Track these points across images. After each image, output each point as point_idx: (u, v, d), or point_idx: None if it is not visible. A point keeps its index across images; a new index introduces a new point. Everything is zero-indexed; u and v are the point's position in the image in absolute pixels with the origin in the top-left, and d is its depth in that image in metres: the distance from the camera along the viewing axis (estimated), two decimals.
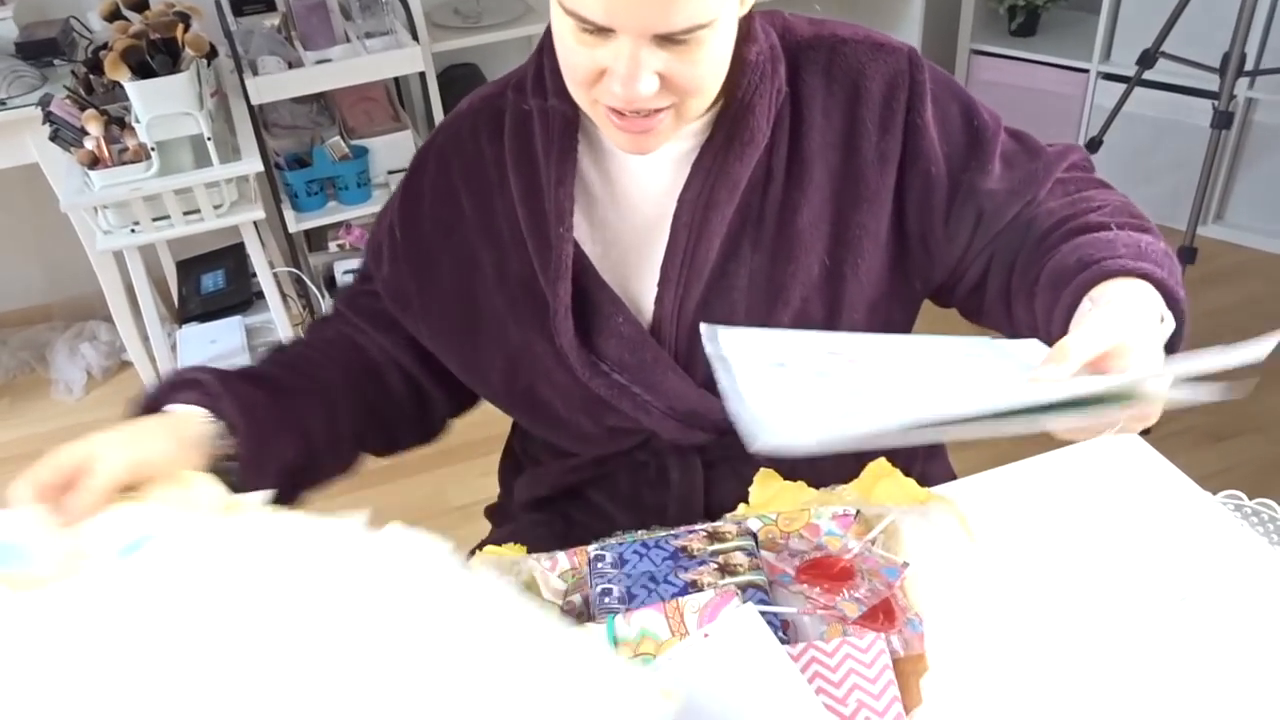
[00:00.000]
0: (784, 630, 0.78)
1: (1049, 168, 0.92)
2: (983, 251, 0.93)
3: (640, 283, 0.93)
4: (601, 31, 0.74)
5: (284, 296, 2.53)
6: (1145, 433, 0.80)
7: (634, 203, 0.93)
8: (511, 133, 0.92)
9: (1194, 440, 2.19)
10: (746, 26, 0.85)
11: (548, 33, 0.86)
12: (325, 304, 2.44)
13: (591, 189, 0.93)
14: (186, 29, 1.94)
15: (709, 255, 0.89)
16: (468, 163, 0.94)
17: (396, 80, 2.68)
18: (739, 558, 0.83)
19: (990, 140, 0.91)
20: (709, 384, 0.92)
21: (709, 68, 0.79)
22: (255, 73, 2.23)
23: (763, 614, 0.75)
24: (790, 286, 0.91)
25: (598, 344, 0.93)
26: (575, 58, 0.78)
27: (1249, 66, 2.10)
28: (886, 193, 0.90)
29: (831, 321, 0.93)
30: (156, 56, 1.88)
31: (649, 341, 0.92)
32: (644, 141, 0.82)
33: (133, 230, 1.94)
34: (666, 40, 0.74)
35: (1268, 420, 2.22)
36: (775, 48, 0.88)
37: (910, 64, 0.89)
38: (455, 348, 0.99)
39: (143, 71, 1.86)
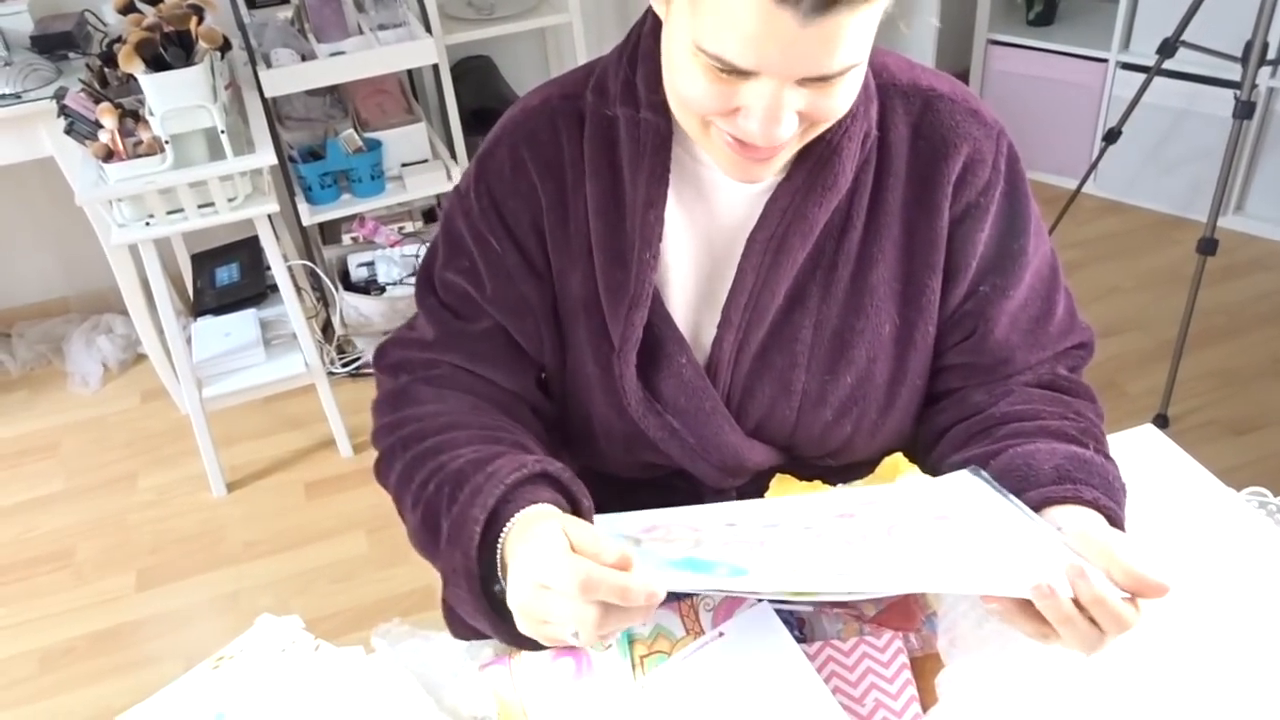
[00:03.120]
0: (800, 628, 0.77)
1: (1055, 341, 0.90)
2: (949, 371, 0.91)
3: (700, 322, 0.89)
4: (742, 73, 0.68)
5: (298, 289, 2.53)
6: (1165, 426, 0.78)
7: (706, 236, 0.87)
8: (593, 139, 0.84)
9: (1215, 433, 2.17)
10: None
11: (638, 41, 0.82)
12: (339, 296, 2.44)
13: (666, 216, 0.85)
14: (200, 21, 1.94)
15: (774, 300, 0.84)
16: (547, 158, 0.86)
17: (410, 73, 2.67)
18: None
19: (1023, 269, 0.87)
20: (757, 432, 0.90)
21: (847, 99, 0.73)
22: (269, 65, 2.22)
23: (778, 612, 0.74)
24: (857, 344, 0.86)
25: (655, 383, 0.88)
26: (704, 93, 0.71)
27: (1271, 55, 2.06)
28: (943, 262, 0.86)
29: (894, 388, 0.89)
30: (170, 49, 1.87)
31: (709, 390, 0.87)
32: (759, 171, 0.76)
33: (147, 223, 1.94)
34: (813, 80, 0.69)
35: None
36: (870, 87, 0.82)
37: (997, 145, 0.84)
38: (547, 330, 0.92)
39: (157, 64, 1.86)
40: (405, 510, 0.82)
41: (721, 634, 0.72)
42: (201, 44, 1.91)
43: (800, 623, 0.78)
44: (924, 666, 0.74)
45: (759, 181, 0.79)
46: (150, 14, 1.95)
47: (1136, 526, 0.85)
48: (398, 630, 0.85)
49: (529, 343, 0.90)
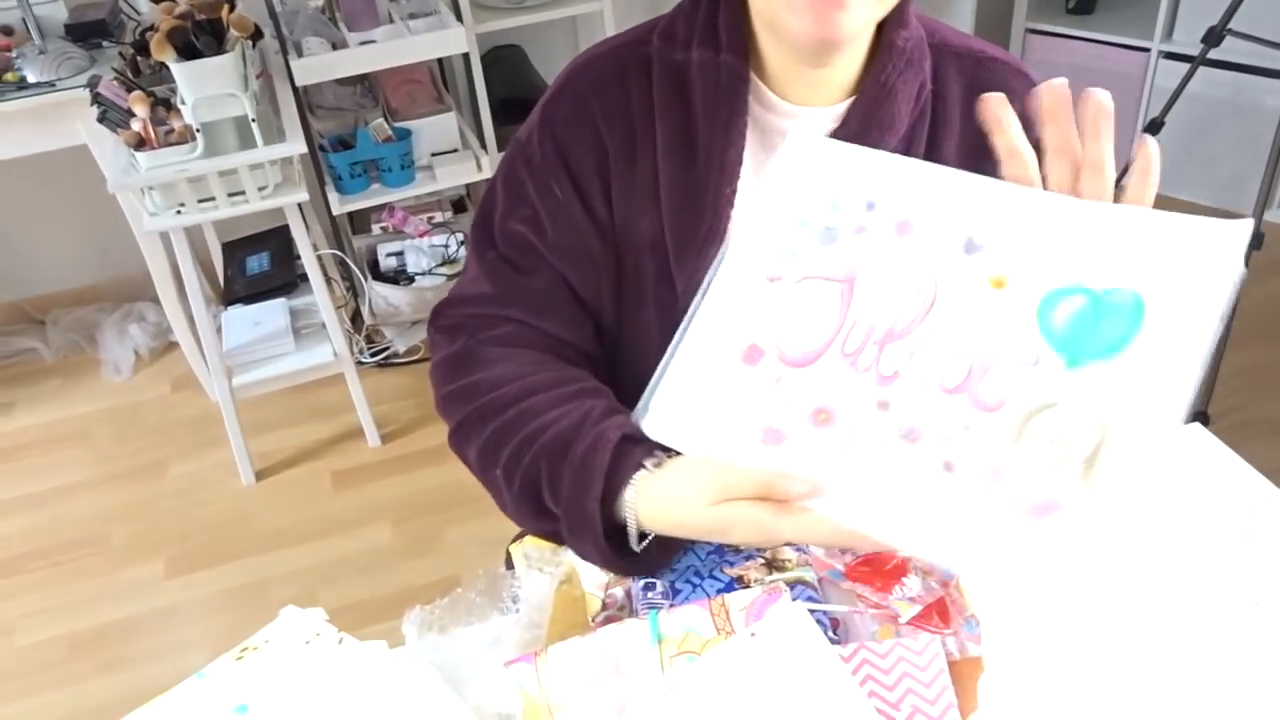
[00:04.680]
0: (834, 629, 0.75)
1: None
2: None
3: None
4: None
5: (328, 279, 2.54)
6: (1206, 424, 0.75)
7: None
8: (661, 84, 0.85)
9: (1260, 431, 2.11)
10: (900, 11, 0.80)
11: None
12: (368, 286, 2.44)
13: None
14: (232, 9, 1.94)
15: None
16: (613, 105, 0.86)
17: (440, 62, 2.66)
18: (787, 553, 0.80)
19: None
20: None
21: None
22: (300, 54, 2.22)
23: (811, 612, 0.72)
24: None
25: None
26: None
27: None
28: None
29: None
30: (202, 37, 1.87)
31: None
32: (836, 18, 0.73)
33: (178, 212, 1.95)
34: None
35: None
36: (924, 42, 0.84)
37: None
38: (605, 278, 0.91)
39: (188, 53, 1.86)
40: (497, 484, 0.83)
41: (753, 634, 0.70)
42: (233, 32, 1.91)
43: (835, 624, 0.75)
44: (963, 671, 0.72)
45: (838, 37, 0.74)
46: (182, 2, 1.95)
47: (1183, 529, 0.82)
48: (429, 617, 0.84)
49: (588, 291, 0.90)
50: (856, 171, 0.69)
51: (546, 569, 0.85)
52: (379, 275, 2.51)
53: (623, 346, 0.93)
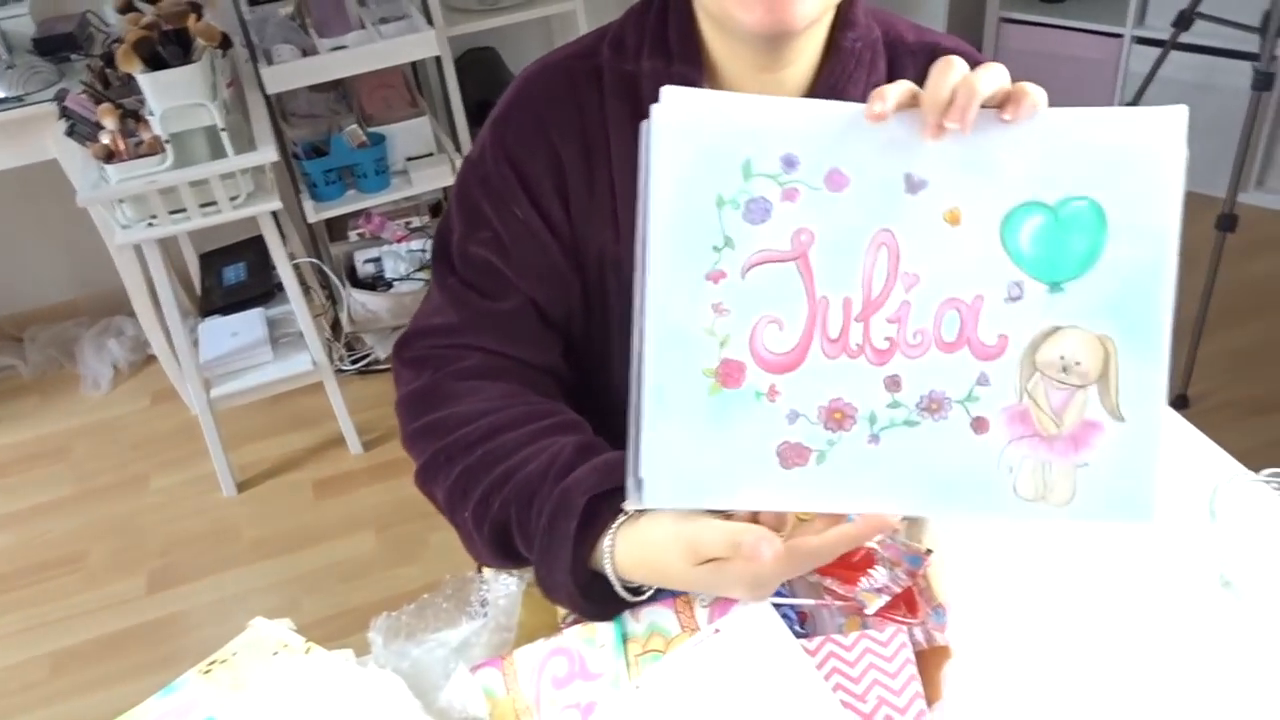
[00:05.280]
0: (801, 622, 0.74)
1: None
2: None
3: None
4: None
5: (305, 287, 2.52)
6: (1185, 407, 0.75)
7: None
8: (614, 96, 0.83)
9: (1236, 414, 2.12)
10: (845, 12, 0.80)
11: None
12: (346, 293, 2.42)
13: None
14: (198, 18, 1.93)
15: None
16: (568, 119, 0.84)
17: (414, 66, 2.65)
18: None
19: None
20: None
21: None
22: (270, 62, 2.21)
23: (777, 606, 0.72)
24: None
25: None
26: None
27: None
28: None
29: None
30: (168, 47, 1.86)
31: None
32: (787, 7, 0.71)
33: (150, 224, 1.93)
34: None
35: None
36: (878, 42, 0.84)
37: None
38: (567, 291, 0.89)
39: (155, 63, 1.85)
40: (466, 527, 0.80)
41: (717, 631, 0.69)
42: (199, 41, 1.90)
43: (802, 618, 0.75)
44: (930, 660, 0.71)
45: (789, 27, 0.73)
46: (149, 13, 1.94)
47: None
48: (396, 624, 0.84)
49: (557, 310, 0.87)
50: (756, 123, 0.60)
51: (515, 572, 0.84)
52: (357, 282, 2.49)
53: (594, 363, 0.91)
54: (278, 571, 2.03)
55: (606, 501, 0.71)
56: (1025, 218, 0.59)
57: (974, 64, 0.84)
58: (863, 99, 0.80)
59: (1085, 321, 0.59)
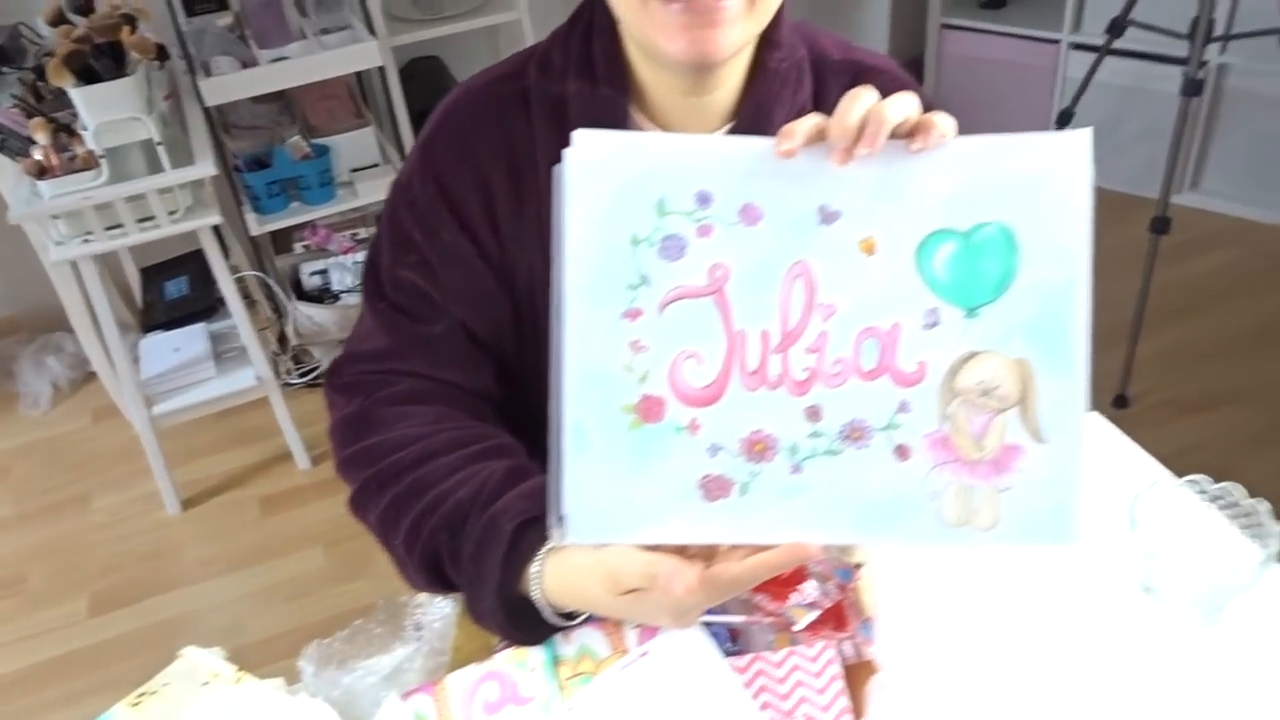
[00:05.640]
0: (732, 639, 0.75)
1: None
2: None
3: None
4: None
5: (250, 300, 2.49)
6: (1124, 406, 0.76)
7: None
8: (541, 117, 0.83)
9: (1173, 413, 2.16)
10: (771, 33, 0.80)
11: (591, 14, 0.81)
12: (292, 306, 2.40)
13: None
14: (132, 31, 1.89)
15: None
16: (495, 142, 0.84)
17: (359, 76, 2.63)
18: None
19: None
20: None
21: None
22: (208, 73, 2.18)
23: (707, 624, 0.72)
24: None
25: None
26: None
27: (1219, 31, 2.06)
28: None
29: None
30: (101, 60, 1.83)
31: None
32: (711, 38, 0.72)
33: (85, 240, 1.90)
34: None
35: (1243, 391, 2.20)
36: (804, 61, 0.84)
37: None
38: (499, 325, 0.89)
39: (88, 77, 1.81)
40: (398, 554, 0.80)
41: (646, 653, 0.69)
42: (133, 54, 1.87)
43: (733, 634, 0.75)
44: (859, 674, 0.72)
45: (714, 57, 0.74)
46: (81, 25, 1.90)
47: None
48: (327, 651, 0.83)
49: (487, 332, 0.87)
50: (667, 162, 0.60)
51: (449, 595, 0.84)
52: (303, 294, 2.47)
53: (528, 381, 0.90)
54: (223, 591, 2.00)
55: (534, 528, 0.70)
56: (939, 245, 0.60)
57: (896, 82, 0.85)
58: (789, 120, 0.80)
59: (1002, 345, 0.60)
